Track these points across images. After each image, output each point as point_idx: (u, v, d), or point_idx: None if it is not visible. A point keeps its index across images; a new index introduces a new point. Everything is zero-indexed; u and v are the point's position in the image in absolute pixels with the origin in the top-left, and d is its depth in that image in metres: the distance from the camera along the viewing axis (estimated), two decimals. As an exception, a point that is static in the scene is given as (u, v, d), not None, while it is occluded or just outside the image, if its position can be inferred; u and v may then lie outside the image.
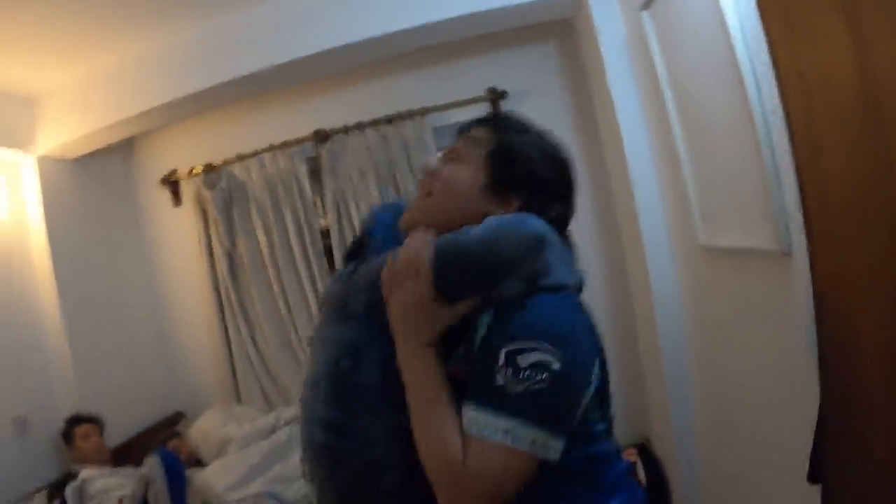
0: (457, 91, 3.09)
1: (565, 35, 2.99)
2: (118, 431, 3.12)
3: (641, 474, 2.50)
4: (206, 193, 3.38)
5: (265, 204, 3.33)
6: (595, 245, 3.03)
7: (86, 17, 2.48)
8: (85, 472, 2.68)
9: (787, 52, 1.20)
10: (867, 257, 1.04)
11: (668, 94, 2.09)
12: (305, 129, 3.23)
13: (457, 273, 0.92)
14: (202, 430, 3.15)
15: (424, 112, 3.08)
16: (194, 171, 3.41)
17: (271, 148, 3.29)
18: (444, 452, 0.82)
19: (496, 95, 3.04)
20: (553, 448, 0.83)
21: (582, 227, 1.15)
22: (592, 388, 0.90)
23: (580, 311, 0.94)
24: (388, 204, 1.27)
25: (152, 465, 2.53)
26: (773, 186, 1.49)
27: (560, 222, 1.03)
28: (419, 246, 0.93)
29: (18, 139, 3.01)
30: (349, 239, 3.16)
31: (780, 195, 1.49)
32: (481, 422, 0.81)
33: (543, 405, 0.82)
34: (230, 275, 3.41)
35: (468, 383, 0.87)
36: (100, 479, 2.67)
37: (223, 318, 3.46)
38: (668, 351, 2.47)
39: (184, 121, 3.34)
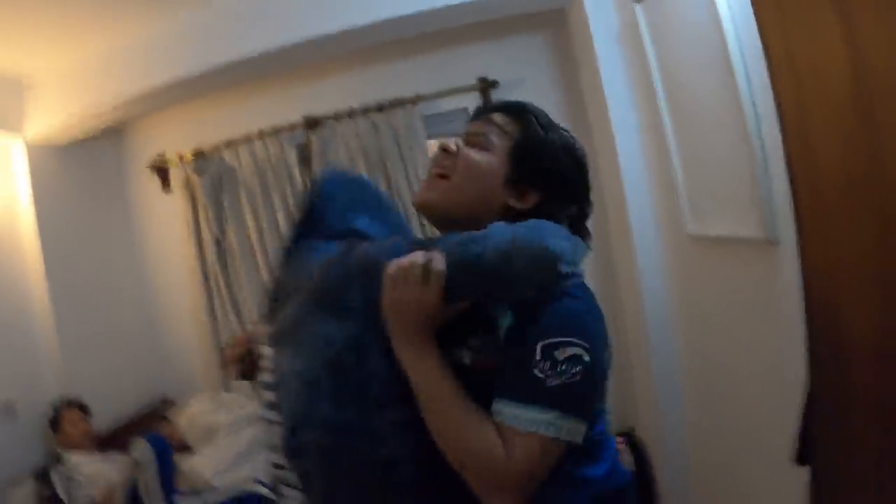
0: (447, 79, 3.09)
1: (557, 26, 2.99)
2: (105, 416, 3.12)
3: (628, 461, 2.53)
4: (196, 179, 3.36)
5: (255, 190, 3.32)
6: (583, 233, 3.03)
7: (78, 1, 2.46)
8: (72, 457, 2.68)
9: (779, 44, 1.21)
10: (857, 245, 1.06)
11: (659, 86, 2.11)
12: (296, 116, 3.22)
13: (470, 287, 0.90)
14: (189, 415, 3.15)
15: (415, 100, 3.07)
16: (184, 157, 3.39)
17: (261, 134, 3.27)
18: (486, 449, 0.84)
19: (487, 85, 3.04)
20: (582, 434, 0.87)
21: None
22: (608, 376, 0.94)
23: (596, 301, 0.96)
24: (336, 173, 1.24)
25: (142, 449, 2.54)
26: (761, 176, 1.53)
27: (578, 219, 1.05)
28: (430, 255, 0.89)
29: (7, 122, 2.98)
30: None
31: (767, 184, 1.52)
32: (522, 415, 0.84)
33: (579, 396, 0.85)
34: (219, 261, 3.40)
35: (495, 374, 0.88)
36: (87, 465, 2.67)
37: (211, 304, 3.44)
38: (655, 339, 2.50)
39: (174, 106, 3.30)
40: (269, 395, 1.09)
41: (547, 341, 0.85)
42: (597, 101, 2.66)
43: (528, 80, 3.09)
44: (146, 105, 3.09)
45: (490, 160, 1.01)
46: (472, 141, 1.04)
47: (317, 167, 3.20)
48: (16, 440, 2.82)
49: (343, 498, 0.97)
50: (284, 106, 3.28)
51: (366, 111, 3.12)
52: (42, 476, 2.64)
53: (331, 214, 1.15)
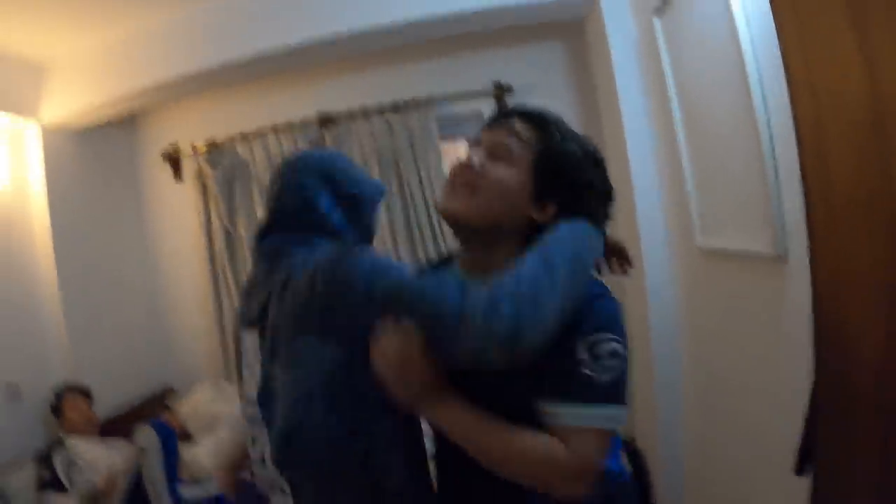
0: (463, 83, 3.11)
1: (574, 35, 3.01)
2: (108, 402, 3.14)
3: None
4: (208, 171, 3.38)
5: (266, 184, 3.31)
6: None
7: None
8: (74, 442, 2.70)
9: (800, 63, 1.24)
10: (868, 261, 1.08)
11: (675, 99, 2.13)
12: (310, 112, 3.24)
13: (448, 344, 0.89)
14: (192, 404, 3.17)
15: (430, 102, 3.09)
16: (197, 148, 3.41)
17: (275, 129, 3.29)
18: (550, 457, 0.88)
19: (501, 90, 3.06)
20: (625, 420, 0.92)
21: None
22: None
23: None
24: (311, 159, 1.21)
25: (147, 435, 2.55)
26: (773, 192, 1.55)
27: (599, 219, 1.07)
28: (399, 333, 0.90)
29: (23, 106, 3.00)
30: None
31: (779, 200, 1.54)
32: (583, 414, 0.89)
33: (623, 388, 0.92)
34: (227, 253, 3.42)
35: (539, 376, 0.91)
36: (88, 450, 2.68)
37: (218, 295, 3.46)
38: (660, 350, 2.52)
39: (190, 97, 3.33)
40: (253, 410, 1.11)
41: (590, 339, 0.89)
42: (611, 111, 2.68)
43: (541, 87, 3.10)
44: (162, 95, 3.10)
45: (514, 175, 1.01)
46: (493, 152, 1.04)
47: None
48: (19, 423, 2.84)
49: None
50: (299, 102, 3.31)
51: (381, 111, 3.14)
52: (44, 460, 2.65)
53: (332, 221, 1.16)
